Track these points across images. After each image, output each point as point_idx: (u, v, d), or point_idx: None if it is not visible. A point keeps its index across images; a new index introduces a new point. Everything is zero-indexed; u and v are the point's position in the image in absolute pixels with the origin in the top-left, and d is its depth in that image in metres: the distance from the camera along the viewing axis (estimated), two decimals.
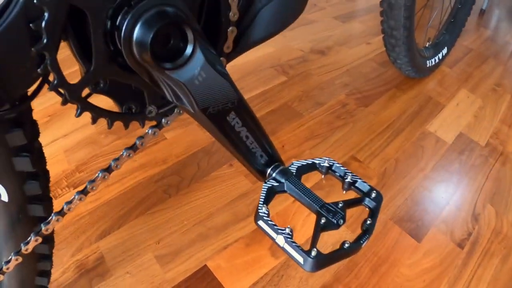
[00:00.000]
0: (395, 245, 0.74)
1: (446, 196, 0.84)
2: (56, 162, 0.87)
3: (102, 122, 0.37)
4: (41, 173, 0.40)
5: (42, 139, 1.07)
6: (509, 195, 0.86)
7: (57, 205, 0.82)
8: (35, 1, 0.28)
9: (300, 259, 0.38)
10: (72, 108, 0.34)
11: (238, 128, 0.36)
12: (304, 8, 0.46)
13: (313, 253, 0.37)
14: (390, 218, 0.78)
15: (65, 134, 0.94)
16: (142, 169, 0.86)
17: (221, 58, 0.38)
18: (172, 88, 0.31)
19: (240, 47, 0.42)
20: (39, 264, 0.45)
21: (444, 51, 1.21)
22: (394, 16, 0.88)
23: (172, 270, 0.67)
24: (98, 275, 0.66)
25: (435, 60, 1.17)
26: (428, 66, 1.14)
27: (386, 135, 0.99)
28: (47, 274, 0.48)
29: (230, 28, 0.37)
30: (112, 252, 0.69)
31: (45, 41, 0.30)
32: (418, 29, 1.07)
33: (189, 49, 0.30)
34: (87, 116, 0.36)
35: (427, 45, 1.16)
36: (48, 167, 0.89)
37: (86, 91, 0.38)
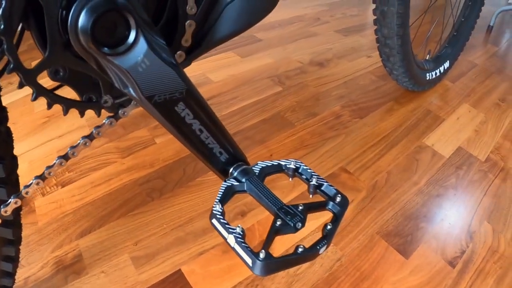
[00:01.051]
0: (380, 260, 0.70)
1: (439, 212, 0.80)
2: (48, 161, 0.89)
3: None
4: (6, 157, 0.40)
5: (38, 138, 1.09)
6: (509, 212, 0.81)
7: (44, 202, 0.83)
8: None
9: (249, 261, 0.36)
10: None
11: (189, 120, 0.35)
12: (272, 8, 0.46)
13: (262, 255, 0.36)
14: (377, 232, 0.75)
15: (60, 135, 0.96)
16: (129, 171, 0.86)
17: (179, 52, 0.38)
18: (118, 75, 0.32)
19: (206, 43, 0.43)
20: (3, 249, 0.46)
21: (446, 64, 1.19)
22: (387, 24, 0.87)
23: (146, 272, 0.66)
24: (74, 273, 0.66)
25: (435, 73, 1.14)
26: (428, 79, 1.12)
27: (380, 147, 0.96)
28: (12, 260, 0.48)
29: (188, 21, 0.37)
30: (90, 251, 0.69)
31: (1, 27, 0.31)
32: (418, 42, 1.05)
33: (131, 36, 0.30)
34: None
35: (427, 58, 1.14)
36: (40, 165, 0.91)
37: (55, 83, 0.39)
